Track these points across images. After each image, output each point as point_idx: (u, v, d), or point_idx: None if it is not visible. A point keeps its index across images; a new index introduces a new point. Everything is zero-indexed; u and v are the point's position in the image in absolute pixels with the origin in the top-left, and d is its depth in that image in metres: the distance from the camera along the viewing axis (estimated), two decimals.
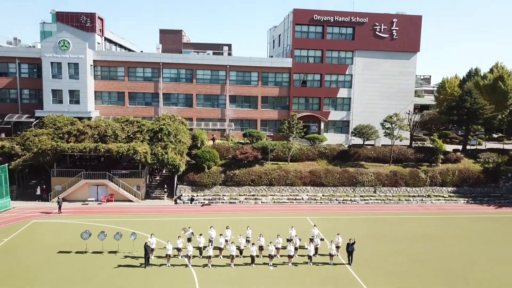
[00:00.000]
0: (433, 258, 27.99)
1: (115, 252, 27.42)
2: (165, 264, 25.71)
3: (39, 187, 40.78)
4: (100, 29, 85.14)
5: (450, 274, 25.36)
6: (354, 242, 26.58)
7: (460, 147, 55.78)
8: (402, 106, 57.01)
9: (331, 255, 26.61)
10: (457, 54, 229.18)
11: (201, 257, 26.78)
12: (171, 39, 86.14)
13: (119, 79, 53.04)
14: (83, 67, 49.55)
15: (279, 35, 63.76)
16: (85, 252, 27.33)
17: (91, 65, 51.47)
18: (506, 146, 57.28)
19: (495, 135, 75.05)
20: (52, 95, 49.24)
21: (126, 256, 26.91)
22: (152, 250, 26.41)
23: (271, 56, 68.46)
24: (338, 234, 28.55)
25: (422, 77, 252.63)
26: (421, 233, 33.67)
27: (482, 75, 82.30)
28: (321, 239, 29.11)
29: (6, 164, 38.44)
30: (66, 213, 36.56)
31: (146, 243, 25.89)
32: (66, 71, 49.19)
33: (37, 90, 51.42)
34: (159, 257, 26.61)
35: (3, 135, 49.44)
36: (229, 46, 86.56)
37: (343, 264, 26.54)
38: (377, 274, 25.16)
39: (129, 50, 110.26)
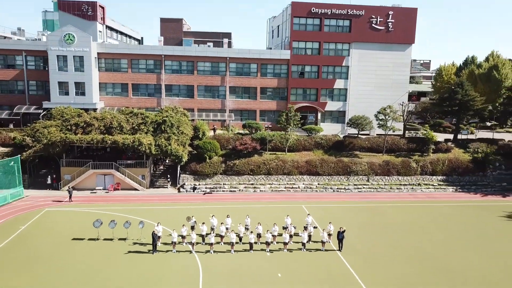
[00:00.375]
0: (415, 245, 30.42)
1: (124, 239, 29.83)
2: (171, 251, 28.13)
3: (49, 176, 43.10)
4: (102, 17, 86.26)
5: (429, 260, 27.79)
6: (344, 230, 28.99)
7: (453, 136, 57.95)
8: (397, 97, 58.93)
9: (323, 242, 29.02)
10: (460, 41, 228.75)
11: (203, 243, 29.16)
12: (171, 27, 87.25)
13: (122, 71, 54.77)
14: (88, 60, 51.24)
15: (278, 26, 65.12)
16: (97, 239, 29.75)
17: (95, 58, 53.09)
18: (497, 135, 59.42)
19: (488, 123, 76.97)
20: (59, 87, 51.10)
21: (135, 243, 29.33)
22: (159, 237, 28.80)
23: (270, 48, 69.86)
24: (330, 222, 30.95)
25: (421, 62, 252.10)
26: (406, 220, 36.10)
27: (478, 63, 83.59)
28: (314, 227, 31.52)
29: (19, 155, 40.61)
30: (77, 202, 38.94)
31: (153, 231, 28.30)
32: (71, 64, 50.94)
33: (43, 81, 53.29)
34: (165, 243, 29.03)
35: (11, 126, 51.60)
36: (229, 35, 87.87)
37: (334, 250, 28.98)
38: (365, 259, 27.60)
39: (130, 37, 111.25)
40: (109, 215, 34.29)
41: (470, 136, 58.28)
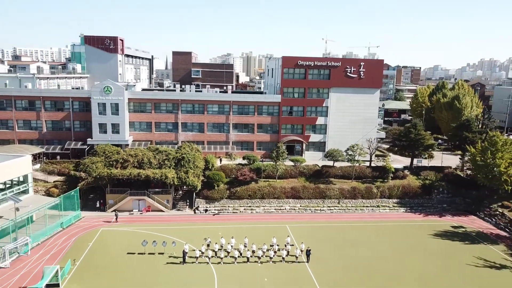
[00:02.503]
0: (360, 256, 44.77)
1: (162, 253, 44.10)
2: (195, 262, 42.43)
3: (98, 201, 57.28)
4: (121, 49, 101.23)
5: (367, 267, 42.15)
6: (310, 249, 43.35)
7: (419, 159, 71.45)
8: (367, 130, 73.06)
9: (296, 257, 43.35)
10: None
11: (216, 257, 43.46)
12: (182, 59, 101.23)
13: (147, 112, 68.67)
14: (121, 105, 65.12)
15: (272, 69, 78.97)
16: (144, 253, 44.02)
17: (127, 103, 66.87)
18: (447, 162, 73.36)
19: (446, 146, 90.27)
20: (99, 128, 65.06)
21: (170, 257, 43.60)
22: (186, 253, 43.07)
23: (263, 89, 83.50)
24: (302, 242, 45.30)
25: (412, 68, 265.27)
26: (359, 237, 50.44)
27: (443, 93, 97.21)
28: (291, 245, 45.84)
29: (78, 187, 54.77)
30: (121, 222, 53.20)
31: (183, 249, 42.62)
32: (109, 109, 64.80)
33: (85, 121, 67.25)
34: (190, 257, 43.28)
35: (58, 158, 65.62)
36: (231, 66, 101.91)
37: (304, 262, 43.31)
38: (325, 268, 41.90)
39: (142, 58, 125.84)
40: (149, 234, 48.53)
41: (425, 164, 72.20)
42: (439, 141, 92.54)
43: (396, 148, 76.61)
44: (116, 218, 53.26)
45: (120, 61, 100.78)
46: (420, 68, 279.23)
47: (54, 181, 59.42)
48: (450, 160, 75.19)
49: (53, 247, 45.34)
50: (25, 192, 51.05)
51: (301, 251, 44.35)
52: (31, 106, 66.36)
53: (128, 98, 67.11)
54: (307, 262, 43.18)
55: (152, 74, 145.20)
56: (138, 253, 44.08)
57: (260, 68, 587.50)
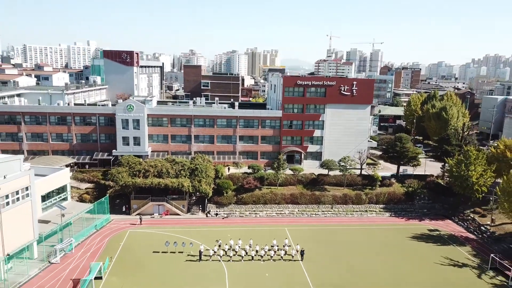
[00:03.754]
0: (346, 255, 53.77)
1: (182, 252, 53.33)
2: (209, 260, 51.62)
3: (124, 206, 66.60)
4: (137, 61, 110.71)
5: (351, 264, 51.20)
6: (304, 249, 52.45)
7: (406, 167, 79.83)
8: (359, 141, 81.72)
9: (292, 256, 52.44)
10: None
11: (226, 255, 52.60)
12: (192, 72, 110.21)
13: (164, 126, 77.67)
14: (142, 121, 74.18)
15: (275, 85, 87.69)
16: (166, 252, 53.25)
17: (146, 118, 75.83)
18: (431, 170, 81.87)
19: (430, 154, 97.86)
20: (122, 140, 74.21)
21: (188, 255, 52.83)
22: (201, 252, 52.25)
23: (266, 93, 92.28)
24: (297, 244, 54.37)
25: (412, 69, 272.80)
26: (347, 239, 59.44)
27: (432, 104, 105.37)
28: (288, 246, 54.90)
29: (107, 194, 64.07)
30: (145, 224, 62.52)
31: (199, 249, 51.84)
32: (131, 124, 73.88)
33: (110, 134, 76.37)
34: (205, 255, 52.45)
35: (87, 167, 74.96)
36: (238, 78, 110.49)
37: (298, 260, 52.39)
38: (316, 265, 50.98)
39: (154, 66, 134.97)
40: (169, 236, 57.71)
41: (409, 172, 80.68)
42: (429, 148, 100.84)
43: (387, 156, 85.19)
44: (141, 221, 62.61)
45: (135, 72, 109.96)
46: (420, 69, 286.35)
47: (85, 188, 68.83)
48: (434, 168, 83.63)
49: (91, 246, 54.76)
50: (65, 199, 60.41)
51: (297, 251, 53.43)
52: (63, 121, 75.63)
53: (148, 114, 76.05)
54: (301, 260, 52.26)
55: (163, 80, 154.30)
56: (162, 252, 53.35)
57: (265, 64, 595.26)
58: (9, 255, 45.20)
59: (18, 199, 46.45)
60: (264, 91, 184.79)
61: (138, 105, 74.29)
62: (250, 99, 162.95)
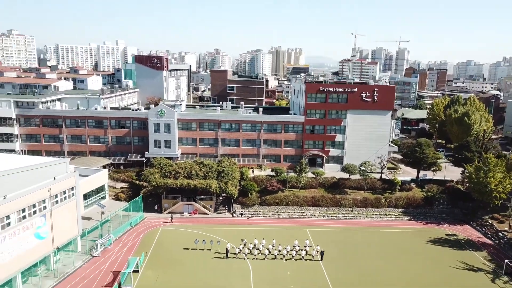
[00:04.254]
0: (364, 256, 56.80)
1: (210, 249, 57.58)
2: (235, 257, 55.67)
3: (156, 205, 71.51)
4: (166, 66, 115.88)
5: (369, 266, 54.23)
6: (324, 250, 55.82)
7: (426, 172, 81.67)
8: (380, 146, 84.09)
9: (312, 256, 55.92)
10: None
11: (251, 254, 56.53)
12: (219, 76, 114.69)
13: (193, 130, 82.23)
14: (172, 125, 78.96)
15: (298, 91, 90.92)
16: (196, 249, 57.64)
17: (176, 122, 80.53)
18: (452, 175, 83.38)
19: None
20: (154, 143, 79.21)
21: (215, 252, 57.07)
22: (228, 250, 56.35)
23: (290, 96, 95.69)
24: (318, 245, 57.76)
25: (438, 70, 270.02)
26: (366, 240, 62.39)
27: (454, 108, 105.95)
28: (309, 246, 58.33)
29: (141, 194, 69.08)
30: (175, 222, 67.17)
31: (226, 247, 55.97)
32: (162, 128, 78.76)
33: (142, 137, 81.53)
34: (231, 253, 56.51)
35: (121, 167, 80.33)
36: (262, 82, 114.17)
37: (318, 260, 55.82)
38: (335, 266, 54.29)
39: (182, 70, 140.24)
40: (198, 234, 62.15)
41: (429, 177, 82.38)
42: (451, 153, 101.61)
43: (407, 161, 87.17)
44: (171, 219, 67.32)
45: (164, 76, 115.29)
46: (447, 70, 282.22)
47: (120, 187, 74.14)
48: (454, 173, 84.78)
49: (127, 242, 59.79)
50: (103, 198, 65.76)
51: (317, 251, 56.89)
52: (100, 124, 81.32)
53: (178, 119, 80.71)
54: (321, 260, 55.67)
55: (190, 82, 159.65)
56: (191, 249, 57.78)
57: (289, 63, 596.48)
58: (58, 248, 50.57)
59: (65, 198, 51.72)
60: (288, 92, 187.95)
61: (169, 111, 79.05)
62: (274, 100, 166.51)
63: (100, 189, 65.45)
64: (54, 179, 49.67)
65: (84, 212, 59.56)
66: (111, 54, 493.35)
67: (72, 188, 53.11)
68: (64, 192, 51.58)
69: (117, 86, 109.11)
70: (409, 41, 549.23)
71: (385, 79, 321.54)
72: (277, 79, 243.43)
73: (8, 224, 42.93)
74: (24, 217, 44.98)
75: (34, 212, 46.48)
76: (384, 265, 55.28)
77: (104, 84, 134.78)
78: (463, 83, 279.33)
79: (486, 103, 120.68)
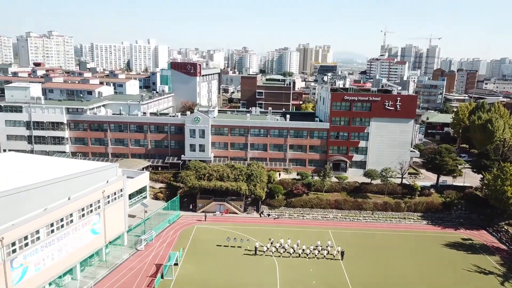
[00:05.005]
0: (382, 258, 61.69)
1: (240, 247, 63.88)
2: (262, 254, 61.75)
3: (191, 204, 78.51)
4: (199, 72, 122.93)
5: (386, 266, 59.14)
6: (344, 251, 61.12)
7: (447, 178, 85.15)
8: (401, 153, 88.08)
9: (333, 255, 61.31)
10: None
11: (277, 252, 62.44)
12: (249, 82, 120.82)
13: (224, 135, 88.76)
14: (207, 131, 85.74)
15: (324, 98, 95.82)
16: (227, 246, 64.05)
17: (210, 128, 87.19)
18: (472, 181, 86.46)
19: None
20: (190, 147, 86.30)
21: (245, 249, 63.32)
22: (257, 247, 62.47)
23: (315, 109, 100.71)
24: (339, 245, 63.09)
25: (468, 71, 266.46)
26: (384, 243, 67.12)
27: (478, 115, 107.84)
28: (331, 247, 63.71)
29: (178, 194, 76.20)
30: (209, 221, 73.90)
31: (255, 245, 62.15)
32: (197, 134, 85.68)
33: (179, 141, 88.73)
34: (260, 251, 62.60)
35: (159, 169, 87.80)
36: (289, 88, 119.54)
37: (339, 260, 61.15)
38: (354, 265, 59.47)
39: (213, 74, 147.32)
40: (230, 232, 68.57)
41: (448, 183, 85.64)
42: (473, 158, 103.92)
43: (428, 167, 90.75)
44: (205, 218, 74.10)
45: (198, 81, 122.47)
46: (477, 71, 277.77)
47: (159, 188, 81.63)
48: (475, 179, 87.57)
49: (167, 238, 66.94)
50: (144, 197, 73.25)
51: (338, 251, 62.25)
52: (140, 129, 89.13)
53: (211, 125, 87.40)
54: (341, 260, 61.00)
55: (221, 84, 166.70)
56: (224, 246, 64.28)
57: (317, 61, 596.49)
58: (110, 242, 58.14)
59: (115, 198, 59.19)
60: (314, 93, 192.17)
61: (204, 118, 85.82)
62: (300, 102, 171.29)
63: (142, 189, 72.90)
64: (107, 182, 57.15)
65: (129, 210, 67.04)
66: (143, 53, 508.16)
67: (121, 190, 60.55)
68: (115, 193, 59.05)
69: (154, 92, 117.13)
70: (440, 38, 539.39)
71: (414, 78, 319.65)
72: (304, 79, 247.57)
73: (71, 221, 50.52)
74: (83, 215, 52.54)
75: (91, 211, 54.03)
76: (400, 266, 60.05)
77: (140, 87, 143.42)
78: (494, 83, 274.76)
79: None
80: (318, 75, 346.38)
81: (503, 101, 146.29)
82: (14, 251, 42.43)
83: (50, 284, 48.79)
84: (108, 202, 57.51)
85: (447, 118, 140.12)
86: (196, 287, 52.79)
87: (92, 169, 55.38)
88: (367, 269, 58.76)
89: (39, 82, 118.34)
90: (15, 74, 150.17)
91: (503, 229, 72.25)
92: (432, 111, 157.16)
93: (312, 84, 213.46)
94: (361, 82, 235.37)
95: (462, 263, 61.39)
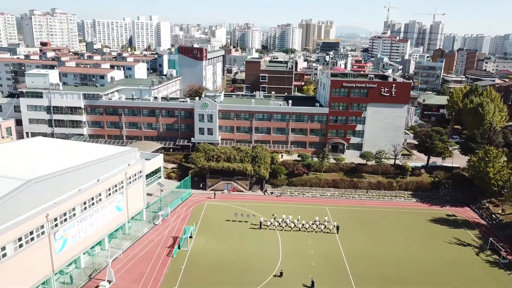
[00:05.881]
0: (374, 231, 69.29)
1: (246, 222, 71.51)
2: (266, 228, 69.43)
3: (201, 183, 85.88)
4: (205, 56, 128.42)
5: (376, 238, 66.82)
6: (339, 225, 68.73)
7: (437, 158, 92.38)
8: (395, 135, 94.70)
9: (330, 229, 68.96)
10: None
11: (279, 226, 70.04)
12: (253, 67, 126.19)
13: (231, 119, 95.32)
14: (214, 116, 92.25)
15: (324, 84, 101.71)
16: (235, 221, 71.68)
17: (217, 113, 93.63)
18: (461, 162, 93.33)
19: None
20: (199, 131, 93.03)
21: (251, 224, 71.00)
22: (261, 222, 70.09)
23: (316, 94, 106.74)
24: (335, 221, 70.69)
25: (468, 51, 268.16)
26: (376, 218, 74.68)
27: (470, 99, 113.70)
28: (328, 222, 71.31)
29: (189, 174, 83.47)
30: (218, 198, 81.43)
31: (260, 220, 69.78)
32: (205, 118, 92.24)
33: (188, 125, 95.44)
34: (264, 225, 70.26)
35: (171, 150, 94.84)
36: (291, 72, 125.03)
37: (334, 233, 68.82)
38: (347, 236, 67.15)
39: (217, 56, 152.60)
40: (237, 208, 76.09)
41: (438, 164, 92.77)
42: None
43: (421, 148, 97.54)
44: (214, 195, 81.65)
45: (204, 65, 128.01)
46: (477, 51, 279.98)
47: (171, 168, 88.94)
48: (464, 160, 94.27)
49: (180, 214, 74.62)
50: (159, 177, 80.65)
51: (333, 226, 69.87)
52: (153, 113, 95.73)
53: (219, 110, 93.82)
54: (337, 233, 68.65)
55: (225, 65, 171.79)
56: (232, 220, 71.93)
57: (319, 38, 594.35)
58: (132, 218, 65.83)
59: (135, 179, 66.46)
60: (316, 74, 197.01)
61: (212, 103, 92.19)
62: (302, 83, 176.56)
63: (157, 170, 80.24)
64: (129, 165, 64.28)
65: (146, 189, 74.47)
66: (145, 29, 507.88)
67: (140, 171, 67.75)
68: (135, 175, 66.27)
69: (164, 76, 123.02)
70: (444, 14, 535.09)
71: (416, 56, 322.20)
72: (306, 59, 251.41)
73: (100, 199, 57.91)
74: (109, 194, 59.90)
75: (116, 191, 61.38)
76: (389, 239, 67.73)
77: (148, 69, 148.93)
78: (494, 62, 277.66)
79: (505, 92, 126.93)
80: (320, 52, 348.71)
81: (498, 84, 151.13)
82: (56, 225, 49.90)
83: (84, 253, 56.67)
84: (130, 182, 64.79)
85: (443, 100, 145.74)
86: (209, 257, 60.60)
87: (116, 153, 62.38)
88: (359, 242, 66.47)
89: (52, 66, 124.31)
90: (27, 56, 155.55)
91: (484, 206, 79.63)
92: (430, 93, 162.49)
93: (314, 64, 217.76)
94: (362, 62, 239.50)
95: (445, 236, 69.01)
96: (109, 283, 52.62)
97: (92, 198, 56.10)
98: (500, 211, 76.42)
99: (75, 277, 53.63)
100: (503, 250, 62.69)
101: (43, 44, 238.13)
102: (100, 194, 57.69)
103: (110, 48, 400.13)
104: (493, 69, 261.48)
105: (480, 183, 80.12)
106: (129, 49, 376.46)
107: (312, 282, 53.13)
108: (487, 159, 79.09)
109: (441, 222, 74.91)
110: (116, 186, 61.25)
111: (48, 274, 49.24)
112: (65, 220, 51.42)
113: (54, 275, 50.61)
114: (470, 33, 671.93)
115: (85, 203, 54.68)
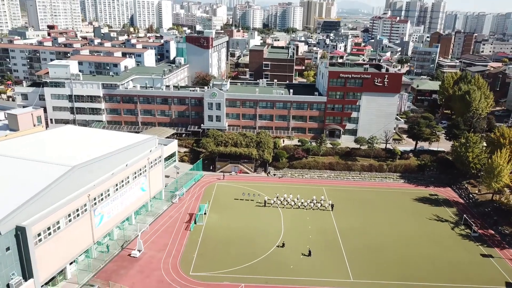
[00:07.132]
0: (364, 209, 79.28)
1: (252, 200, 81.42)
2: (270, 206, 79.38)
3: (211, 166, 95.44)
4: (211, 44, 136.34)
5: (366, 215, 76.92)
6: (333, 204, 78.71)
7: (425, 143, 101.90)
8: (387, 122, 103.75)
9: (325, 207, 78.94)
10: None
11: (281, 204, 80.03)
12: (256, 55, 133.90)
13: (237, 107, 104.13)
14: (222, 104, 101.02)
15: (323, 73, 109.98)
16: (243, 199, 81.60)
17: (224, 102, 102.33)
18: (446, 146, 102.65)
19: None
20: (208, 118, 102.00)
21: (257, 202, 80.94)
22: (266, 201, 79.99)
23: (315, 81, 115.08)
24: (330, 200, 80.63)
25: (465, 34, 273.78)
26: (367, 197, 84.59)
27: (459, 87, 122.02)
28: (324, 200, 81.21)
29: (201, 158, 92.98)
30: (227, 180, 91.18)
31: (264, 199, 79.72)
32: (214, 107, 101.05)
33: (198, 112, 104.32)
34: (268, 203, 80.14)
35: (183, 135, 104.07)
36: (292, 60, 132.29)
37: (329, 211, 78.84)
38: (340, 213, 77.23)
39: (222, 43, 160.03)
40: (244, 188, 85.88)
41: (425, 148, 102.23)
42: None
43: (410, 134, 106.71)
44: (223, 177, 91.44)
45: (210, 53, 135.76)
46: (473, 33, 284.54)
47: (184, 152, 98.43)
48: (449, 144, 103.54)
49: (194, 193, 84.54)
50: (174, 161, 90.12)
51: (329, 204, 79.85)
52: (165, 101, 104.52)
53: (226, 98, 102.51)
54: (332, 211, 78.68)
55: (229, 51, 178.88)
56: (240, 199, 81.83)
57: (321, 16, 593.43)
58: (154, 197, 75.76)
59: (156, 163, 76.00)
60: (317, 58, 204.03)
61: (220, 93, 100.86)
62: (302, 67, 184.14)
63: (173, 154, 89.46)
64: (150, 151, 73.73)
65: (164, 171, 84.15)
66: (147, 9, 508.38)
67: (160, 156, 77.24)
68: (155, 159, 75.76)
69: (173, 65, 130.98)
70: None
71: (416, 36, 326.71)
72: (307, 42, 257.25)
73: (128, 182, 67.57)
74: (135, 177, 69.54)
75: (140, 174, 71.00)
76: (377, 215, 77.78)
77: (155, 55, 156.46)
78: (491, 44, 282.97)
79: (493, 79, 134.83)
80: (321, 32, 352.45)
81: (488, 70, 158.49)
82: (95, 203, 59.68)
83: (116, 227, 66.81)
84: (151, 166, 74.36)
85: (436, 85, 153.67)
86: (221, 230, 70.75)
87: (140, 141, 71.75)
88: (351, 218, 76.54)
89: (65, 53, 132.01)
90: (40, 43, 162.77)
91: (464, 186, 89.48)
92: (424, 77, 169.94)
93: (315, 48, 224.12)
94: (362, 45, 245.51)
95: (426, 213, 79.06)
96: (139, 252, 62.90)
97: (122, 181, 65.72)
98: (476, 191, 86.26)
99: (111, 247, 63.86)
100: (474, 225, 72.82)
101: (50, 27, 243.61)
102: (128, 177, 67.28)
103: (111, 27, 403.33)
104: (490, 51, 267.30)
105: (461, 166, 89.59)
106: (131, 29, 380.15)
107: (309, 251, 63.42)
108: (468, 144, 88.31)
109: (424, 201, 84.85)
110: (140, 170, 70.82)
111: (90, 244, 59.38)
112: (102, 199, 61.15)
113: (94, 245, 60.82)
114: (472, 11, 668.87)
115: (116, 184, 64.32)
